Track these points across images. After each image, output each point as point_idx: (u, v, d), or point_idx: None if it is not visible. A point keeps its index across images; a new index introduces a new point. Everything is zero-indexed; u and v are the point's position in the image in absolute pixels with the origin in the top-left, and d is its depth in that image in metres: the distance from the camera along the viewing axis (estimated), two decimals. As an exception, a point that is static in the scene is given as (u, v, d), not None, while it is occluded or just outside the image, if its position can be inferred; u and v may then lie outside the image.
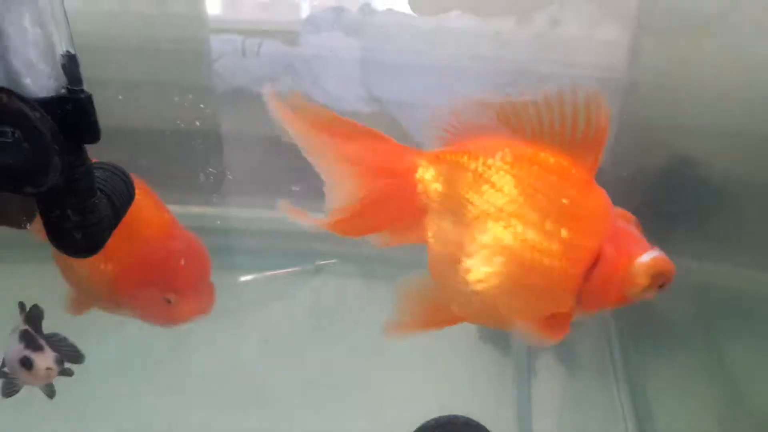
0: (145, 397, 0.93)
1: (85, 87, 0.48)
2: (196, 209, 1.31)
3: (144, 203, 0.72)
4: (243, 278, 1.19)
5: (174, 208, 1.29)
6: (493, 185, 0.54)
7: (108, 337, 1.01)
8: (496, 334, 1.01)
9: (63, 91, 0.47)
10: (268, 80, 1.47)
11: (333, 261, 1.23)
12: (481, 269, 0.54)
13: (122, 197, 0.55)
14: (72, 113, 0.47)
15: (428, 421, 0.72)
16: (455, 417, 0.72)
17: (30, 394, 0.74)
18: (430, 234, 0.60)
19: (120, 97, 1.13)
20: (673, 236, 0.97)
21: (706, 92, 0.90)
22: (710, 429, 0.80)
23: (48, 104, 0.46)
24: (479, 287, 0.54)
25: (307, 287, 1.18)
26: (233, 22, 1.35)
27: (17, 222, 0.57)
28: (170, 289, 0.71)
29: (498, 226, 0.53)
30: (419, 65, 1.33)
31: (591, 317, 0.56)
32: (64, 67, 0.47)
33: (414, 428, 0.73)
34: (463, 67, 1.31)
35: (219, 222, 1.33)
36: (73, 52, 0.48)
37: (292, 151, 1.39)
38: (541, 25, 1.27)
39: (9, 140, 0.45)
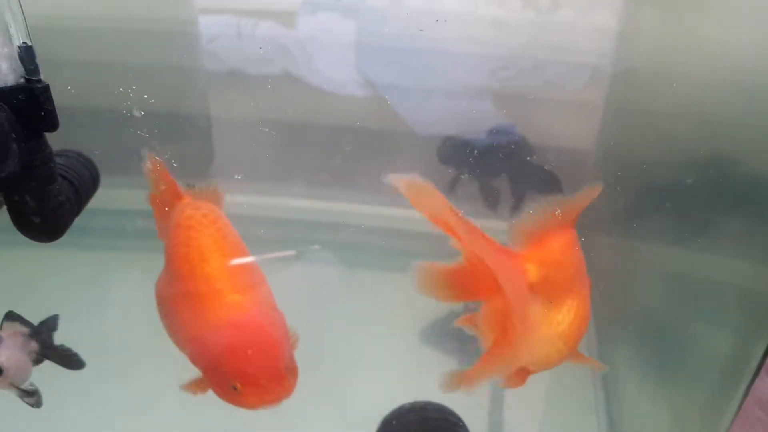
0: (126, 383, 0.95)
1: (43, 77, 0.49)
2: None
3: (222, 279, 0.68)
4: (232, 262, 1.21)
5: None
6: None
7: (89, 322, 1.04)
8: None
9: (21, 80, 0.48)
10: (263, 62, 1.48)
11: (315, 247, 1.25)
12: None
13: (86, 184, 0.57)
14: (29, 102, 0.48)
15: (403, 405, 0.74)
16: (428, 403, 0.74)
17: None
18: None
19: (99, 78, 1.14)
20: (655, 222, 0.98)
21: (693, 78, 0.90)
22: (681, 417, 0.81)
23: (5, 94, 0.47)
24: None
25: (287, 273, 1.19)
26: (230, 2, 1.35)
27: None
28: (235, 378, 0.65)
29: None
30: (414, 48, 1.32)
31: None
32: (21, 57, 0.48)
33: (388, 413, 0.74)
34: (458, 51, 1.30)
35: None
36: (29, 43, 0.49)
37: (284, 134, 1.41)
38: (538, 9, 1.26)
39: (-34, 127, 0.46)
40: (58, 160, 0.54)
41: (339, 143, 1.32)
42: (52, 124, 0.49)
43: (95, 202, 1.10)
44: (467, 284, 0.72)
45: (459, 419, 0.74)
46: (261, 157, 1.37)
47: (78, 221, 1.21)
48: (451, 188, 1.21)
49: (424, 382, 0.88)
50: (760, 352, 0.63)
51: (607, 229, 1.17)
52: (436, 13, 1.30)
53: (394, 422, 0.71)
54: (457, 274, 0.74)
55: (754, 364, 0.64)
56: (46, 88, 0.49)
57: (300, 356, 0.98)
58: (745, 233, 0.72)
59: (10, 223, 0.59)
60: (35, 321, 0.84)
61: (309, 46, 1.35)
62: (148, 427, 0.87)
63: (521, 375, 0.70)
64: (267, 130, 1.35)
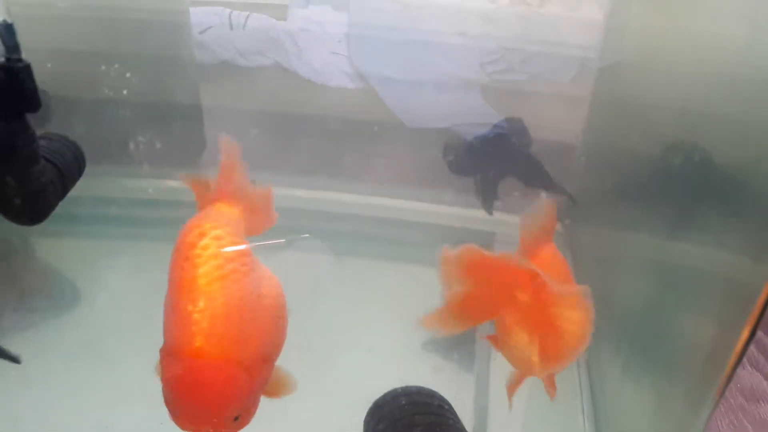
0: (116, 367, 0.95)
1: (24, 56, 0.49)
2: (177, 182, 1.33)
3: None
4: (222, 250, 1.21)
5: (153, 182, 1.32)
6: None
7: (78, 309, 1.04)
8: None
9: (1, 59, 0.48)
10: (254, 53, 1.48)
11: (305, 235, 1.25)
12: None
13: (70, 167, 0.57)
14: (9, 82, 0.48)
15: (395, 389, 0.74)
16: (420, 388, 0.74)
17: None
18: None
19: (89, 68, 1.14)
20: (638, 212, 0.98)
21: (680, 71, 0.90)
22: (663, 403, 0.82)
23: (-15, 73, 0.47)
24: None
25: (278, 260, 1.19)
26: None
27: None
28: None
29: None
30: (405, 41, 1.33)
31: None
32: (2, 38, 0.48)
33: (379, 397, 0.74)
34: (448, 44, 1.30)
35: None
36: (9, 21, 0.49)
37: (274, 124, 1.41)
38: (527, 3, 1.27)
39: (-53, 107, 0.46)
40: (41, 142, 0.54)
41: (329, 134, 1.32)
42: (34, 104, 0.49)
43: (83, 190, 1.11)
44: (474, 309, 0.72)
45: (448, 404, 0.74)
46: (252, 146, 1.36)
47: (65, 209, 1.21)
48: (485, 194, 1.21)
49: (412, 368, 0.89)
50: (741, 340, 0.64)
51: (591, 220, 1.18)
52: (427, 5, 1.31)
53: (384, 407, 0.71)
54: (463, 304, 0.72)
55: (736, 352, 0.65)
56: (27, 68, 0.49)
57: (289, 341, 0.99)
58: (727, 223, 0.73)
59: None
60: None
61: (300, 38, 1.35)
62: (137, 412, 0.88)
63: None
64: (258, 119, 1.36)
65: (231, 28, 1.36)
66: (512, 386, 0.72)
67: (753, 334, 0.63)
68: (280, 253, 1.27)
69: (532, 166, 1.18)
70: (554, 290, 0.66)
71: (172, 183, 1.32)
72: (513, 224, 1.21)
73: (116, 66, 1.16)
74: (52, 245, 1.24)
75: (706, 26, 0.82)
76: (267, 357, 0.59)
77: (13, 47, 0.48)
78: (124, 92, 1.19)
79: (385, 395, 0.72)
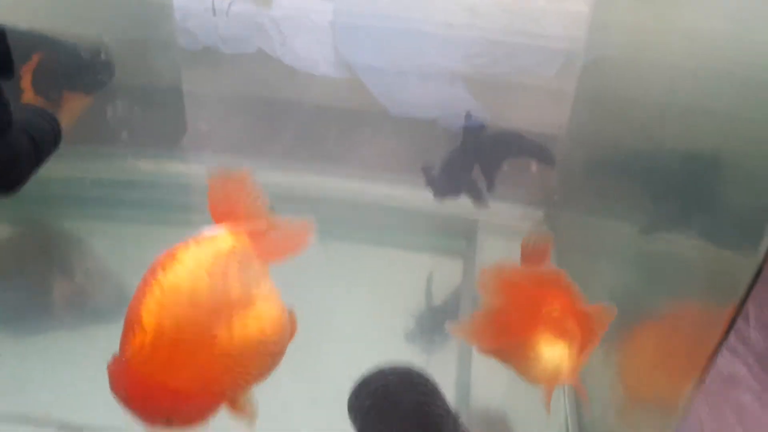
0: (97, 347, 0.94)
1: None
2: (156, 165, 1.32)
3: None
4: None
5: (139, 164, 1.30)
6: None
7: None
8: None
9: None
10: (237, 40, 1.47)
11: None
12: None
13: (45, 139, 0.55)
14: (-18, 47, 0.47)
15: (382, 368, 0.73)
16: (408, 367, 0.73)
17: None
18: None
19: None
20: (620, 204, 0.99)
21: (666, 66, 0.91)
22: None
23: (-43, 38, 0.45)
24: None
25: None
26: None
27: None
28: None
29: None
30: (391, 30, 1.32)
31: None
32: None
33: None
34: (434, 34, 1.31)
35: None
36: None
37: (257, 111, 1.40)
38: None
39: None
40: (16, 113, 0.53)
41: (313, 121, 1.32)
42: (7, 71, 0.48)
43: (62, 170, 1.09)
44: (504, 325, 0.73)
45: (434, 384, 0.74)
46: (234, 132, 1.36)
47: (44, 189, 1.19)
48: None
49: (397, 349, 0.89)
50: (720, 330, 0.65)
51: (575, 210, 1.19)
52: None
53: (371, 384, 0.71)
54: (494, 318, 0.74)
55: (717, 339, 0.65)
56: (2, 35, 0.47)
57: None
58: (709, 214, 0.73)
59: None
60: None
61: (284, 25, 1.34)
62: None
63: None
64: (240, 106, 1.35)
65: (214, 13, 1.34)
66: (547, 398, 0.73)
67: (734, 321, 0.63)
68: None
69: (514, 140, 1.19)
70: (585, 306, 0.70)
71: (152, 165, 1.31)
72: (496, 210, 1.23)
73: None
74: (29, 225, 1.22)
75: (693, 21, 0.82)
76: (212, 385, 0.55)
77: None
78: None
79: (372, 373, 0.72)
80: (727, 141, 0.71)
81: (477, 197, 1.22)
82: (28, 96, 1.04)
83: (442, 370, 0.92)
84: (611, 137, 1.08)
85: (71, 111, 1.14)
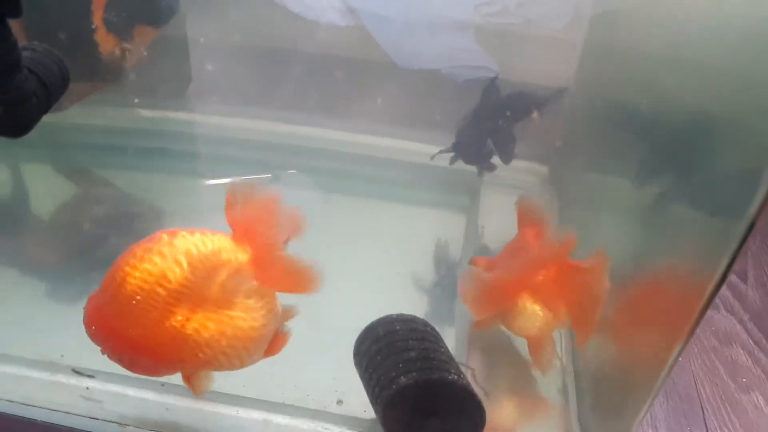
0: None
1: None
2: (163, 113, 1.32)
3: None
4: (209, 182, 1.21)
5: (143, 113, 1.30)
6: None
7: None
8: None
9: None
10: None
11: (292, 171, 1.25)
12: None
13: (55, 80, 0.55)
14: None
15: (389, 315, 0.75)
16: (414, 317, 0.75)
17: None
18: None
19: None
20: (621, 160, 0.99)
21: (671, 20, 0.89)
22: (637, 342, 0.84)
23: (-37, -28, 0.45)
24: None
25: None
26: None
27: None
28: None
29: None
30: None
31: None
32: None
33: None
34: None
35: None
36: None
37: (262, 60, 1.38)
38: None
39: (-75, 8, 0.45)
40: (24, 53, 0.53)
41: (318, 70, 1.30)
42: (15, 9, 0.48)
43: (68, 117, 1.09)
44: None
45: (438, 334, 0.76)
46: (239, 81, 1.34)
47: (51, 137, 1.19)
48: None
49: (398, 299, 0.90)
50: (710, 285, 0.65)
51: (576, 162, 1.19)
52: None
53: (379, 329, 0.72)
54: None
55: (705, 295, 0.66)
56: (9, -30, 0.47)
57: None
58: (708, 171, 0.73)
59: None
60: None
61: (291, -29, 1.31)
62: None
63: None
64: (245, 54, 1.33)
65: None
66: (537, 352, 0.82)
67: (724, 278, 0.64)
68: (267, 187, 1.28)
69: (529, 99, 1.18)
70: (579, 264, 0.78)
71: (157, 113, 1.31)
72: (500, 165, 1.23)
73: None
74: (37, 170, 1.22)
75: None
76: (163, 352, 0.62)
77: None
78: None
79: (380, 319, 0.74)
80: (729, 98, 0.70)
81: (506, 159, 1.20)
82: (101, 32, 1.04)
83: (441, 319, 0.94)
84: (617, 90, 1.07)
85: (141, 43, 1.14)
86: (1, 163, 1.23)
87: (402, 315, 0.74)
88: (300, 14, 1.30)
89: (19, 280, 0.99)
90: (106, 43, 1.09)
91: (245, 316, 0.63)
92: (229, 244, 0.64)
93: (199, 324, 0.61)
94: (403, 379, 0.63)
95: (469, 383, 0.67)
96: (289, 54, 1.32)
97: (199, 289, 0.61)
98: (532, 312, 0.79)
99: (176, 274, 0.60)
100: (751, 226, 0.55)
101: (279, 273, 0.66)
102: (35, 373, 0.80)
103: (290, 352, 0.72)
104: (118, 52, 1.12)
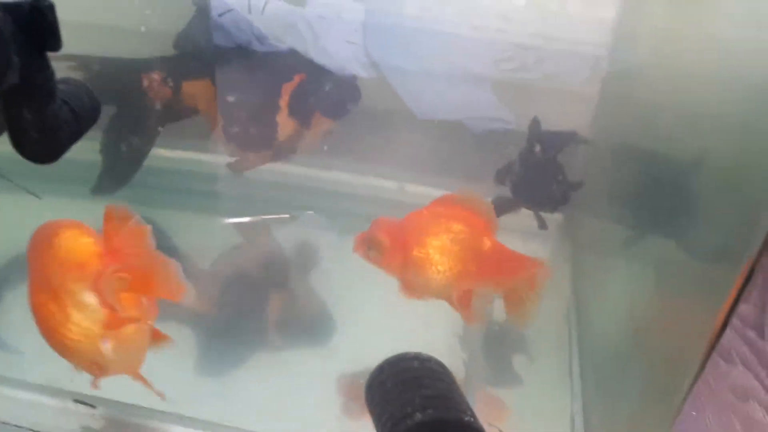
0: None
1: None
2: (185, 153, 1.36)
3: None
4: (228, 220, 1.24)
5: (167, 153, 1.34)
6: None
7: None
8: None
9: (27, -2, 0.51)
10: (270, 39, 1.50)
11: (310, 212, 1.27)
12: None
13: (86, 112, 0.59)
14: (34, 19, 0.50)
15: (407, 352, 0.75)
16: (432, 357, 0.75)
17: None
18: None
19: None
20: (639, 208, 0.99)
21: (692, 74, 0.91)
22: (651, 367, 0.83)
23: (10, 8, 0.49)
24: None
25: (283, 234, 1.22)
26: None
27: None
28: None
29: None
30: (420, 33, 1.34)
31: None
32: (28, -25, 0.50)
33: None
34: (462, 38, 1.32)
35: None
36: (36, -37, 0.51)
37: (236, 103, 1.41)
38: (548, 3, 1.28)
39: (-31, 39, 0.48)
40: (59, 85, 0.56)
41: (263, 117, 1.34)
42: (55, 43, 0.52)
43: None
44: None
45: (454, 378, 0.76)
46: (263, 129, 1.38)
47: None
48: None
49: (410, 341, 0.90)
50: (713, 331, 0.65)
51: (595, 211, 1.20)
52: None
53: (397, 365, 0.72)
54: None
55: (708, 342, 0.66)
56: (51, 7, 0.51)
57: (295, 311, 1.04)
58: (717, 221, 0.73)
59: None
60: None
61: (317, 25, 1.37)
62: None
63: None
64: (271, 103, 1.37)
65: (249, 11, 1.38)
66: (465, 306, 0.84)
67: (724, 326, 0.64)
68: (285, 228, 1.30)
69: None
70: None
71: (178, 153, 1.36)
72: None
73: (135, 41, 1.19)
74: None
75: (722, 29, 0.82)
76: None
77: (39, -15, 0.50)
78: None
79: (397, 355, 0.73)
80: (734, 146, 0.71)
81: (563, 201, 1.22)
82: (283, 115, 1.14)
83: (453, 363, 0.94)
84: (629, 140, 1.08)
85: (316, 133, 1.21)
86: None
87: (419, 354, 0.74)
88: (325, 66, 1.35)
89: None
90: (285, 124, 1.20)
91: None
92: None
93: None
94: (418, 415, 0.63)
95: (482, 428, 0.66)
96: (267, 101, 1.36)
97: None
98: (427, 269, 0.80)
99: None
100: (750, 273, 0.55)
101: (148, 276, 0.67)
102: (45, 399, 0.81)
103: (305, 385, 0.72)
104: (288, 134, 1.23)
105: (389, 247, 0.81)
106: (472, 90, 1.36)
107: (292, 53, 1.34)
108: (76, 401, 0.80)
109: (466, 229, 0.83)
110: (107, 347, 0.65)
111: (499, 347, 1.06)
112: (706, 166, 0.79)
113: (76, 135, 0.59)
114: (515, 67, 1.32)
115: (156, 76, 1.21)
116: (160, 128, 1.25)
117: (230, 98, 1.23)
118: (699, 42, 0.88)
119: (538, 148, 1.19)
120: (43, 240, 0.65)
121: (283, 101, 1.21)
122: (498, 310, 1.11)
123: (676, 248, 0.82)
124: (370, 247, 0.82)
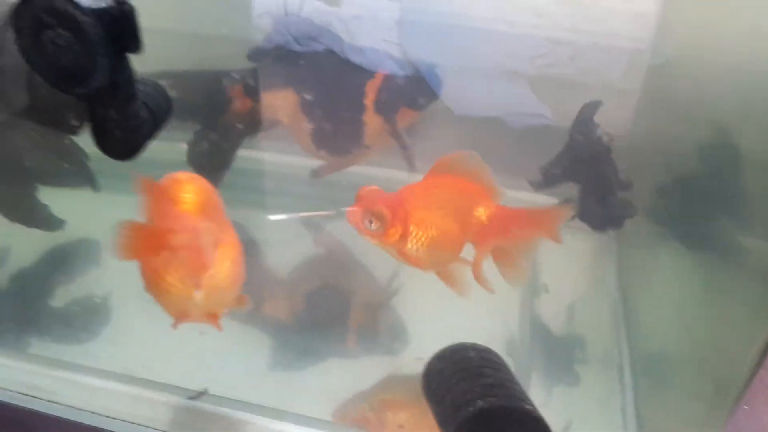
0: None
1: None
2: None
3: None
4: (272, 217, 1.26)
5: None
6: None
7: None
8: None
9: (111, 3, 0.53)
10: (307, 39, 1.51)
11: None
12: None
13: (161, 111, 0.61)
14: (117, 23, 0.53)
15: (464, 342, 0.76)
16: (490, 348, 0.77)
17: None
18: None
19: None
20: (681, 205, 0.99)
21: (734, 68, 0.91)
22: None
23: (97, 12, 0.51)
24: None
25: (331, 230, 1.24)
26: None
27: (69, 127, 0.63)
28: None
29: None
30: (455, 30, 1.35)
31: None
32: (113, -19, 0.53)
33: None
34: (498, 34, 1.32)
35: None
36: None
37: (327, 107, 1.44)
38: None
39: (63, 43, 0.51)
40: (137, 86, 0.59)
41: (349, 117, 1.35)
42: (137, 45, 0.54)
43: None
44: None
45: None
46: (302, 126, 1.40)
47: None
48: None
49: (465, 332, 0.92)
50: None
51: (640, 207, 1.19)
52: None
53: (455, 354, 0.74)
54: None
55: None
56: (132, 12, 0.53)
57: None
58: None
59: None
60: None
61: (352, 24, 1.38)
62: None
63: None
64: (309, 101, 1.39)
65: (286, 12, 1.40)
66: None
67: None
68: (330, 224, 1.32)
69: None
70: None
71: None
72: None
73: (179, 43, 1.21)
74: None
75: (763, 21, 0.82)
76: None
77: (121, -9, 0.53)
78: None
79: (454, 344, 0.75)
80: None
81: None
82: (369, 113, 1.16)
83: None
84: (678, 138, 1.08)
85: (403, 125, 1.25)
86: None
87: (476, 344, 0.75)
88: (361, 65, 1.36)
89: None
90: (372, 123, 1.22)
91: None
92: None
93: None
94: (480, 402, 0.64)
95: (542, 417, 0.67)
96: (351, 102, 1.37)
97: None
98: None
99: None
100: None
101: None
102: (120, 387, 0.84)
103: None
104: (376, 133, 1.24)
105: (390, 219, 0.78)
106: (508, 86, 1.37)
107: (329, 53, 1.36)
108: (190, 398, 0.84)
109: (464, 198, 0.82)
110: (199, 295, 0.67)
111: (547, 339, 1.06)
112: (756, 165, 0.78)
113: (152, 133, 0.61)
114: (551, 62, 1.32)
115: (238, 88, 1.22)
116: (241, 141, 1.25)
117: (316, 104, 1.25)
118: (745, 33, 0.87)
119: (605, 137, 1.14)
120: (160, 190, 0.65)
121: (369, 100, 1.22)
122: (545, 305, 1.13)
123: (728, 245, 0.82)
124: (371, 220, 0.79)
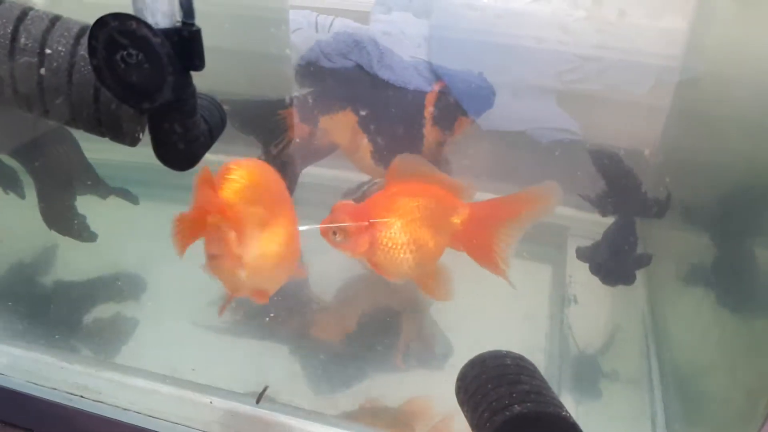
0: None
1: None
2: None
3: None
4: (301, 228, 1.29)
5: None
6: None
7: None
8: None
9: (178, 23, 0.57)
10: (337, 55, 1.54)
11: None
12: None
13: (216, 123, 0.65)
14: (184, 42, 0.57)
15: (499, 350, 0.78)
16: (524, 357, 0.78)
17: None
18: None
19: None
20: (711, 221, 1.00)
21: (763, 83, 0.91)
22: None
23: (166, 33, 0.55)
24: None
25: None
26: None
27: (132, 138, 0.67)
28: None
29: None
30: (482, 46, 1.37)
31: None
32: (181, 3, 0.57)
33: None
34: (525, 50, 1.34)
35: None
36: (189, -11, 0.57)
37: (382, 125, 1.45)
38: (608, 15, 1.30)
39: (134, 61, 0.55)
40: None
41: (409, 129, 1.37)
42: (201, 63, 0.58)
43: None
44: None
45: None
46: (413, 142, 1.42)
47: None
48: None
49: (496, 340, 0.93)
50: None
51: (669, 221, 1.20)
52: (506, 14, 1.36)
53: (488, 361, 0.75)
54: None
55: None
56: (198, 32, 0.57)
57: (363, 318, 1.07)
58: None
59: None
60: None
61: (381, 41, 1.41)
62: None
63: None
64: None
65: (317, 30, 1.43)
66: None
67: None
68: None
69: None
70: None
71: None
72: (587, 219, 1.25)
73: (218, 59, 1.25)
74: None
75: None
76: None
77: (190, 13, 0.57)
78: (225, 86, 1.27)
79: (490, 351, 0.75)
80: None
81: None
82: (428, 126, 1.19)
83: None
84: (704, 154, 1.09)
85: (460, 133, 1.27)
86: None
87: (510, 352, 0.77)
88: (390, 81, 1.39)
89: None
90: (431, 135, 1.24)
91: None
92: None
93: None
94: (518, 407, 0.66)
95: (577, 424, 0.68)
96: (380, 117, 1.40)
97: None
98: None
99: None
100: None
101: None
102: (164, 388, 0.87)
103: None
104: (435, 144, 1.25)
105: (353, 230, 0.81)
106: (536, 101, 1.38)
107: (359, 68, 1.39)
108: (258, 402, 0.87)
109: (433, 203, 0.85)
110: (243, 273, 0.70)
111: (576, 351, 1.08)
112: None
113: (209, 144, 0.65)
114: (578, 78, 1.34)
115: (293, 114, 1.23)
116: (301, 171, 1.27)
117: (374, 121, 1.25)
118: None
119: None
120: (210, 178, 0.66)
121: (428, 112, 1.24)
122: (574, 316, 1.14)
123: (758, 257, 0.83)
124: (334, 231, 0.82)
